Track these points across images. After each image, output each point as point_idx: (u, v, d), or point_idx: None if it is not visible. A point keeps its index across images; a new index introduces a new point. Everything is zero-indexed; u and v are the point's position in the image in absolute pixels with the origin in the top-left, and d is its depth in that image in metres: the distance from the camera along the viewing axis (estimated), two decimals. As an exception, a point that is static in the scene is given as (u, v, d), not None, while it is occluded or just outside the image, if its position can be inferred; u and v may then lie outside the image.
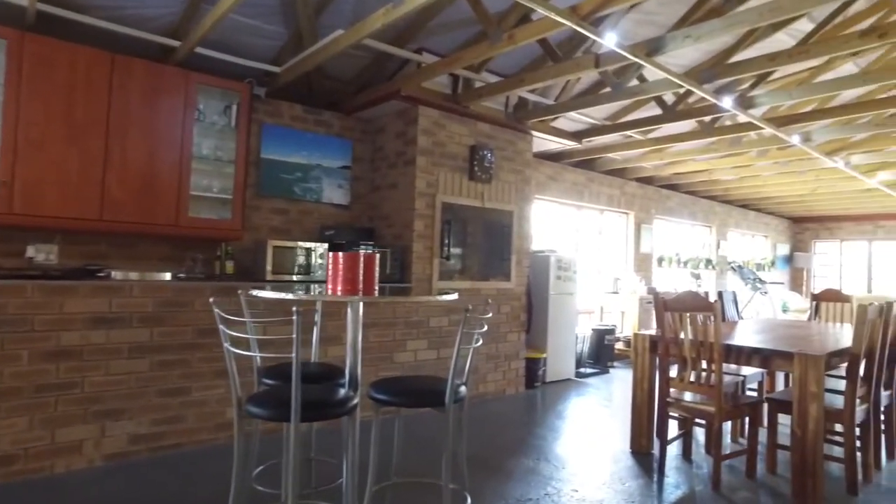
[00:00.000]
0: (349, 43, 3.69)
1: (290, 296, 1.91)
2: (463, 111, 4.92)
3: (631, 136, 6.25)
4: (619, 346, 7.35)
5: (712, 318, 3.23)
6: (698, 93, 4.20)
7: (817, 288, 12.47)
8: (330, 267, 2.19)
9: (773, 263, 11.59)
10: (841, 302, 5.25)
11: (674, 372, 3.48)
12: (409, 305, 4.65)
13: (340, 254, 2.14)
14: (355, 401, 2.01)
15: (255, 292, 2.05)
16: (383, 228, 5.03)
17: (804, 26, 4.98)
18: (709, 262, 9.66)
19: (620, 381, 6.26)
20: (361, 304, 2.27)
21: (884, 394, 3.70)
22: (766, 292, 9.23)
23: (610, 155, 7.23)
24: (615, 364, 7.10)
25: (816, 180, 8.21)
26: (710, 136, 5.70)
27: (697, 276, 8.97)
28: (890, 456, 3.89)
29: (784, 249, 12.36)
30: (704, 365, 3.30)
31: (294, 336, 1.73)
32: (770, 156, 6.76)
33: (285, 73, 4.41)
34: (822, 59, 5.39)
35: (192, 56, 4.07)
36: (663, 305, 3.46)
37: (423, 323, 4.73)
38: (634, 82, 4.62)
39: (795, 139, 5.58)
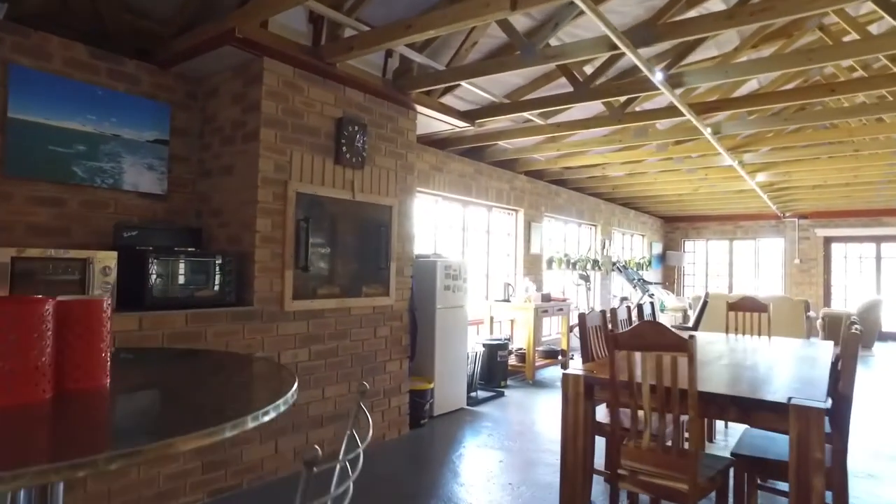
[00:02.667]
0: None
1: None
2: (328, 70, 3.65)
3: (531, 121, 5.35)
4: (512, 360, 6.50)
5: (686, 359, 2.31)
6: (631, 58, 3.31)
7: (688, 286, 12.76)
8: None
9: (650, 263, 11.59)
10: (758, 312, 4.74)
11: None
12: (248, 334, 3.30)
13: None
14: None
15: None
16: (215, 228, 3.60)
17: (716, 6, 4.38)
18: (595, 262, 9.23)
19: (518, 407, 5.36)
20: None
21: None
22: (652, 294, 8.96)
23: (502, 143, 6.33)
24: (509, 383, 6.22)
25: (703, 179, 8.00)
26: (618, 123, 4.95)
27: (586, 279, 8.44)
28: None
29: (657, 248, 12.48)
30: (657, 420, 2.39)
31: None
32: (670, 151, 6.26)
33: (47, -12, 2.86)
34: (731, 45, 4.87)
35: None
36: (614, 342, 2.49)
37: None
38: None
39: (706, 132, 5.01)
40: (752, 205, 10.61)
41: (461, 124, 4.81)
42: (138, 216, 3.53)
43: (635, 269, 10.02)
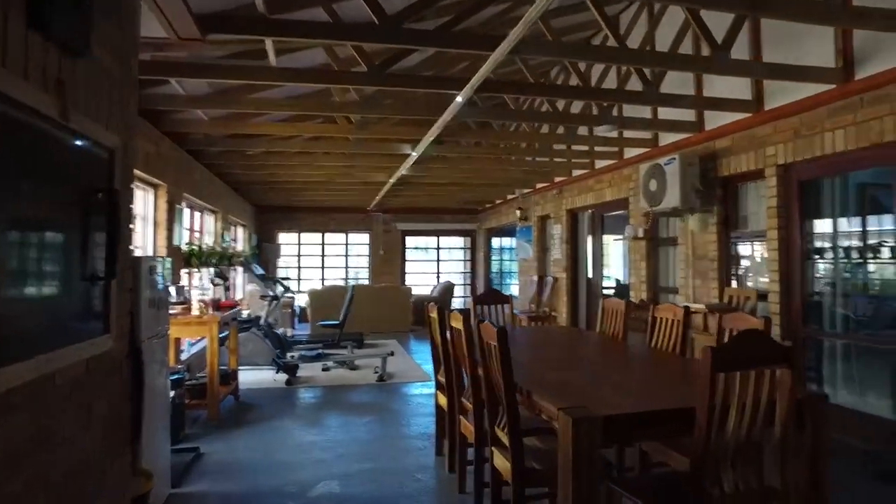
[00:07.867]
0: None
1: None
2: None
3: (257, 57, 3.72)
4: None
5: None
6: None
7: (280, 278, 12.13)
8: None
9: (254, 255, 10.40)
10: (501, 303, 4.67)
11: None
12: None
13: None
14: None
15: None
16: None
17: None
18: (226, 257, 7.55)
19: (238, 474, 3.72)
20: None
21: None
22: (289, 290, 7.97)
23: (173, 83, 4.29)
24: (188, 432, 4.31)
25: (350, 166, 7.55)
26: (379, 84, 3.98)
27: (225, 279, 6.80)
28: None
29: (254, 240, 11.35)
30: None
31: None
32: (370, 130, 5.58)
33: None
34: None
35: None
36: (714, 361, 1.77)
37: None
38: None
39: (448, 113, 4.57)
40: (352, 199, 10.81)
41: (194, 34, 2.88)
42: None
43: (257, 265, 8.80)
